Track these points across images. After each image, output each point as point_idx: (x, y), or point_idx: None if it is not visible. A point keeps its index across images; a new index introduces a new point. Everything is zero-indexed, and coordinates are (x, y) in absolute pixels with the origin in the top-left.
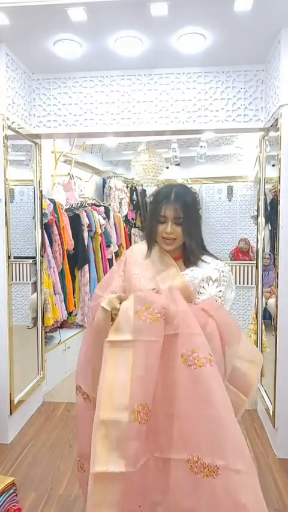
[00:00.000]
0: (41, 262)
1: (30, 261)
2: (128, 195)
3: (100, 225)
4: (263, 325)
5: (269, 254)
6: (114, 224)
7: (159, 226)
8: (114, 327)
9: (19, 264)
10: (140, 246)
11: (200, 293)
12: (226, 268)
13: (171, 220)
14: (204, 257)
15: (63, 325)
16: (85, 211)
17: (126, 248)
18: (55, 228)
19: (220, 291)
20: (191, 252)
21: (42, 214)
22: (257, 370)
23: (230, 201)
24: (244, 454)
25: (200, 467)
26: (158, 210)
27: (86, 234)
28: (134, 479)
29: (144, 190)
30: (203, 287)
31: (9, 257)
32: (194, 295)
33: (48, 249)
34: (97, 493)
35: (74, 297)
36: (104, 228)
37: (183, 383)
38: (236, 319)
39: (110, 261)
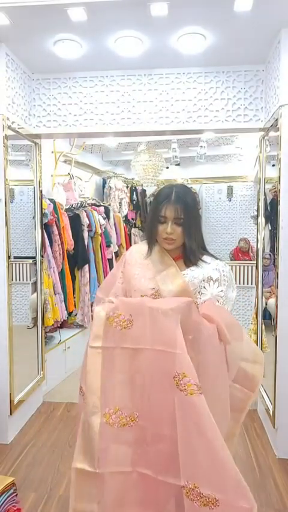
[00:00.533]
0: (41, 262)
1: (30, 261)
2: (128, 195)
3: (100, 225)
4: (263, 325)
5: (269, 254)
6: (114, 224)
7: (160, 226)
8: (92, 332)
9: (19, 264)
10: (139, 247)
11: (202, 293)
12: (226, 267)
13: (172, 220)
14: (205, 257)
15: (63, 325)
16: (85, 211)
17: (126, 248)
18: (55, 228)
19: (221, 290)
20: (191, 252)
21: (42, 214)
22: (260, 368)
23: (230, 201)
24: (247, 493)
25: (197, 495)
26: (159, 211)
27: (86, 234)
28: (113, 482)
29: (144, 190)
30: (204, 287)
31: (9, 257)
32: (195, 295)
33: (48, 249)
34: (78, 486)
35: (74, 297)
36: (104, 228)
37: (177, 407)
38: (236, 319)
39: (110, 261)
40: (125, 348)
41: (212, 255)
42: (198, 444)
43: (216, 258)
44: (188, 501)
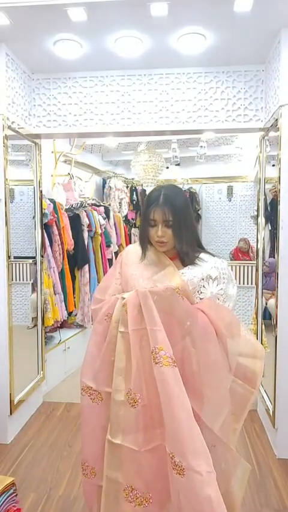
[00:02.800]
0: (41, 262)
1: (30, 261)
2: (128, 195)
3: (100, 225)
4: (263, 325)
5: (269, 262)
6: (114, 224)
7: (151, 229)
8: (115, 318)
9: (19, 264)
10: (135, 247)
11: (201, 292)
12: (224, 264)
13: (161, 223)
14: (202, 255)
15: (63, 325)
16: (85, 211)
17: None
18: (55, 228)
19: (221, 289)
20: (183, 253)
21: (42, 214)
22: (260, 364)
23: (230, 201)
24: (206, 455)
25: (173, 464)
26: (148, 214)
27: (86, 234)
28: (138, 458)
29: (144, 190)
30: (204, 286)
31: (9, 257)
32: (194, 294)
33: (48, 249)
34: (107, 455)
35: (74, 297)
36: (104, 228)
37: (156, 380)
38: (236, 317)
39: (110, 261)
40: (134, 330)
41: (209, 253)
42: (168, 414)
43: (213, 255)
44: (171, 470)
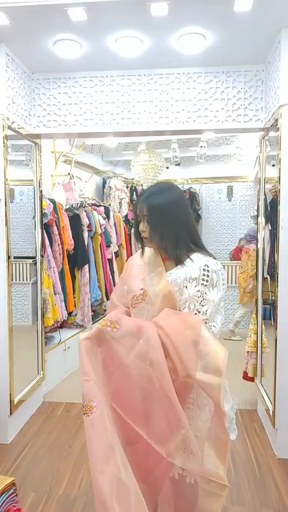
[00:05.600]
0: (41, 262)
1: (30, 261)
2: (128, 195)
3: (100, 225)
4: (263, 325)
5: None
6: (114, 224)
7: (139, 224)
8: None
9: (19, 264)
10: (145, 249)
11: (183, 293)
12: (214, 266)
13: (142, 218)
14: (194, 255)
15: (63, 325)
16: (85, 211)
17: (126, 248)
18: (55, 228)
19: (198, 290)
20: (165, 251)
21: (42, 214)
22: (218, 380)
23: (230, 201)
24: (111, 507)
25: None
26: (135, 209)
27: (86, 234)
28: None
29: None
30: (186, 287)
31: (9, 257)
32: (178, 295)
33: (48, 249)
34: None
35: (74, 297)
36: (104, 228)
37: None
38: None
39: (110, 261)
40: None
41: (207, 253)
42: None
43: (210, 256)
44: None
